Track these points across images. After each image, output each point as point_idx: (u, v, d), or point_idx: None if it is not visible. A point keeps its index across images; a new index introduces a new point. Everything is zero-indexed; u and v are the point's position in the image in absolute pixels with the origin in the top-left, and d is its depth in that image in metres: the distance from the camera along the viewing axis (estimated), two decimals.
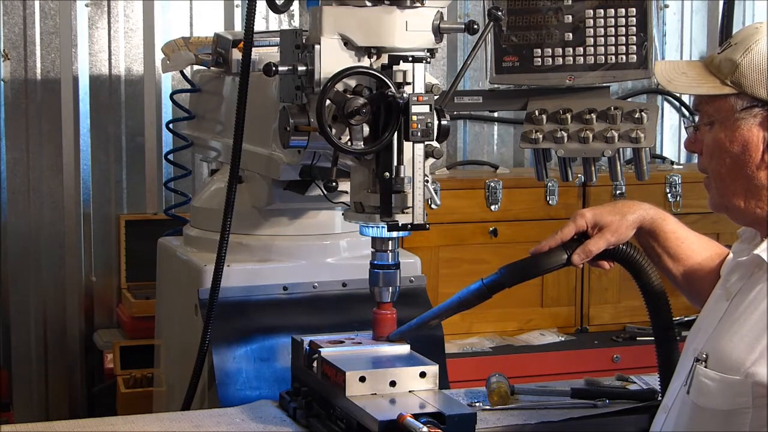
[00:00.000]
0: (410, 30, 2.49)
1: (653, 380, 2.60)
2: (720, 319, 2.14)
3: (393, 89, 2.37)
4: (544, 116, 2.93)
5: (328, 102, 2.39)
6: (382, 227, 2.49)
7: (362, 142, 2.42)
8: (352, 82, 2.43)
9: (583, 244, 2.40)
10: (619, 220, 2.41)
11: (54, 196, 4.70)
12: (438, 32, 2.52)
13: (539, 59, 2.93)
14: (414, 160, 2.42)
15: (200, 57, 3.42)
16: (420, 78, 2.39)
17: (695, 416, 2.12)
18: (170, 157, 3.85)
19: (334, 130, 2.41)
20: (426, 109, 2.39)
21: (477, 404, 2.64)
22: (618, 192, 4.48)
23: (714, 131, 2.14)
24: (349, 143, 2.42)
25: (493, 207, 4.53)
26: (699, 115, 2.19)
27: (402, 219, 2.44)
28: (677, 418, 2.18)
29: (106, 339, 4.57)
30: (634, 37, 2.92)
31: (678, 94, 5.28)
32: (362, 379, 2.39)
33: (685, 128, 2.26)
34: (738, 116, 2.10)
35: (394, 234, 2.50)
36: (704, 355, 2.11)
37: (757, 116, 2.09)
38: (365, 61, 2.50)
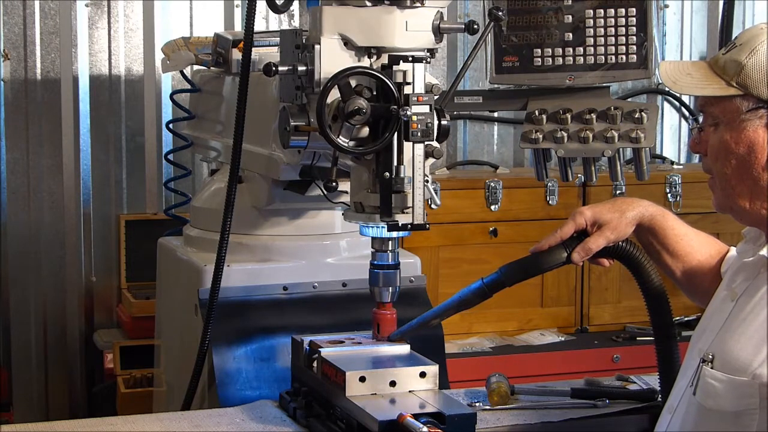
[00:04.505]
0: (410, 30, 2.49)
1: (653, 380, 2.60)
2: (726, 320, 2.14)
3: (396, 104, 2.36)
4: (544, 116, 2.93)
5: (328, 102, 2.39)
6: (382, 227, 2.49)
7: (350, 140, 2.42)
8: (352, 82, 2.43)
9: (582, 242, 2.40)
10: (619, 217, 2.41)
11: (54, 196, 4.70)
12: (438, 32, 2.52)
13: (539, 59, 2.93)
14: (414, 160, 2.42)
15: (200, 57, 3.42)
16: (420, 78, 2.39)
17: (702, 417, 2.11)
18: (170, 157, 3.85)
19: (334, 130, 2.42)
20: (426, 109, 2.39)
21: (477, 404, 2.64)
22: (618, 192, 4.48)
23: (719, 132, 2.14)
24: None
25: (493, 207, 4.53)
26: (704, 116, 2.19)
27: (402, 219, 2.44)
28: (683, 418, 2.17)
29: (106, 339, 4.57)
30: (634, 37, 2.92)
31: (678, 95, 5.28)
32: (362, 379, 2.39)
33: (690, 129, 2.27)
34: (744, 117, 2.10)
35: (394, 234, 2.50)
36: (710, 356, 2.11)
37: (763, 117, 2.09)
38: (365, 61, 2.50)
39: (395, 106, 2.36)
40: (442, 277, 4.39)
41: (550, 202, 4.57)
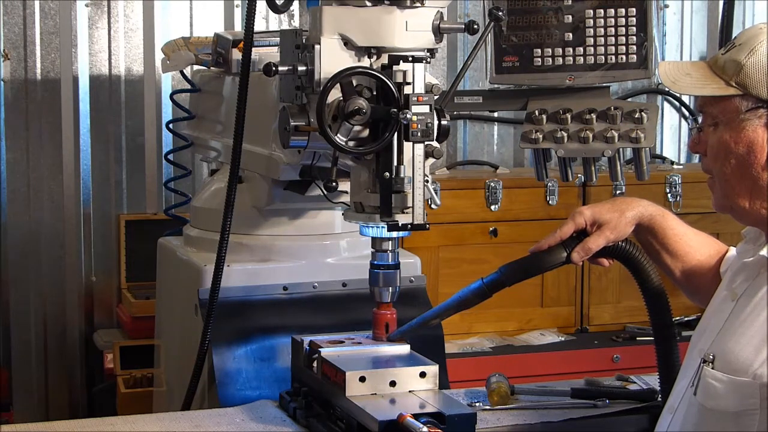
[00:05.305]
0: (410, 30, 2.49)
1: (653, 380, 2.60)
2: (726, 320, 2.14)
3: (396, 105, 2.36)
4: (544, 116, 2.93)
5: (328, 101, 2.39)
6: (382, 227, 2.49)
7: (349, 140, 2.42)
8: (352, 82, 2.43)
9: (582, 241, 2.40)
10: (618, 217, 2.41)
11: (54, 196, 4.70)
12: (438, 32, 2.52)
13: (539, 59, 2.93)
14: (414, 160, 2.42)
15: (200, 57, 3.42)
16: (420, 78, 2.39)
17: (702, 418, 2.11)
18: (170, 157, 3.85)
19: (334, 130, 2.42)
20: (426, 109, 2.39)
21: (477, 404, 2.64)
22: (618, 192, 4.47)
23: (719, 132, 2.14)
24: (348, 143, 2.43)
25: (493, 207, 4.53)
26: (703, 116, 2.19)
27: (402, 219, 2.44)
28: (684, 419, 2.17)
29: (106, 339, 4.57)
30: (634, 37, 2.92)
31: (678, 95, 5.28)
32: (362, 379, 2.39)
33: (689, 129, 2.27)
34: (743, 117, 2.10)
35: (394, 234, 2.50)
36: (711, 356, 2.11)
37: (762, 117, 2.09)
38: (365, 61, 2.50)
39: (395, 109, 2.36)
40: (442, 277, 4.39)
41: (550, 202, 4.57)
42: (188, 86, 3.58)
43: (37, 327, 4.74)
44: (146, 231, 4.49)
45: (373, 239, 2.56)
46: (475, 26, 2.53)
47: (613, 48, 2.92)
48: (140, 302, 4.44)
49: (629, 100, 4.96)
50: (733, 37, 2.19)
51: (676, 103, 5.39)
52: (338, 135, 2.41)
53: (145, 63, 4.75)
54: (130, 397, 4.19)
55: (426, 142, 2.42)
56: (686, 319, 4.37)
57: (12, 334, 4.73)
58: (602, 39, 2.92)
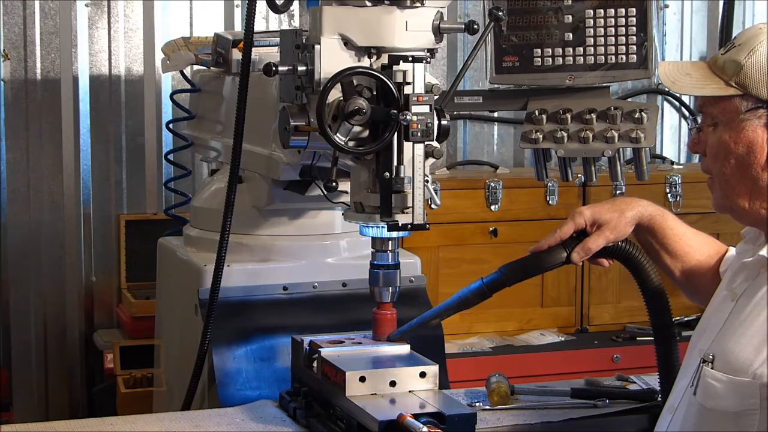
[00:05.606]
0: (410, 30, 2.49)
1: (653, 380, 2.60)
2: (726, 320, 2.14)
3: (396, 105, 2.36)
4: (544, 116, 2.93)
5: (328, 101, 2.39)
6: (382, 227, 2.49)
7: (349, 140, 2.41)
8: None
9: (582, 241, 2.40)
10: (618, 217, 2.41)
11: (54, 196, 4.70)
12: (438, 32, 2.52)
13: (539, 59, 2.93)
14: (414, 160, 2.42)
15: (200, 57, 3.42)
16: (420, 78, 2.39)
17: (702, 417, 2.11)
18: (170, 157, 3.85)
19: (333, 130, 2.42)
20: (426, 109, 2.39)
21: (477, 404, 2.64)
22: (618, 192, 4.48)
23: (718, 132, 2.14)
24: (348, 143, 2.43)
25: (493, 207, 4.53)
26: (703, 116, 2.19)
27: (402, 219, 2.44)
28: (684, 418, 2.17)
29: (106, 339, 4.57)
30: (634, 37, 2.92)
31: (679, 95, 5.28)
32: (362, 379, 2.39)
33: (689, 129, 2.27)
34: (743, 117, 2.10)
35: (394, 234, 2.50)
36: (711, 356, 2.11)
37: (762, 117, 2.09)
38: (365, 61, 2.50)
39: (395, 110, 2.36)
40: (442, 277, 4.39)
41: (550, 202, 4.57)
42: (188, 86, 3.58)
43: (37, 327, 4.75)
44: (146, 231, 4.49)
45: (373, 239, 2.56)
46: (475, 26, 2.53)
47: (613, 48, 2.92)
48: (140, 302, 4.44)
49: (629, 100, 4.96)
50: (733, 37, 2.19)
51: (676, 103, 5.39)
52: (338, 135, 2.41)
53: (145, 63, 4.75)
54: (130, 397, 4.19)
55: (426, 142, 2.43)
56: (686, 319, 4.38)
57: (12, 334, 4.73)
58: (602, 39, 2.92)
